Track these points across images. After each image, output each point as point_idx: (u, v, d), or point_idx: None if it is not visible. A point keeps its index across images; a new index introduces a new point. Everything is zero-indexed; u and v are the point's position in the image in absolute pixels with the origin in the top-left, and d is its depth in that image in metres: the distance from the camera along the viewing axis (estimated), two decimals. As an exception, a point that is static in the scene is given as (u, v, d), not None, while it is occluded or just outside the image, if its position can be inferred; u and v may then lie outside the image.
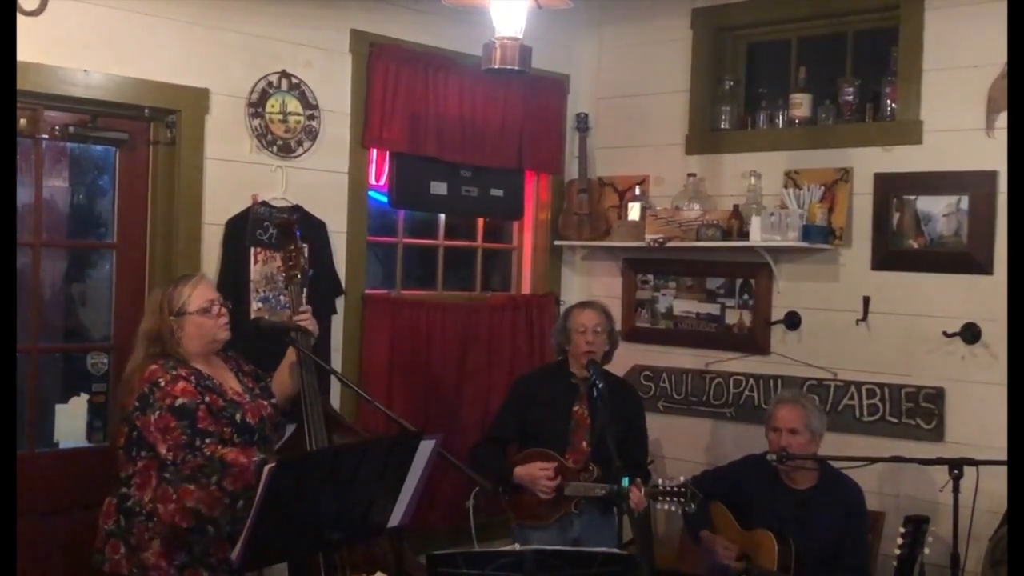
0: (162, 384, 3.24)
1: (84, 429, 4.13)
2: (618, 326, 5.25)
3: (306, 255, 3.89)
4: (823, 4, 4.77)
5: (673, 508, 3.96)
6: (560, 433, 4.21)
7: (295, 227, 3.85)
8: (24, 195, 3.89)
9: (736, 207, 4.82)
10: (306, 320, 3.67)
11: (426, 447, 3.09)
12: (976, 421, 4.25)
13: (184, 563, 3.26)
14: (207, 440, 3.21)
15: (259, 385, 3.57)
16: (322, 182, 4.52)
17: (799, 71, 4.85)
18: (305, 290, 3.85)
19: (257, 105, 4.30)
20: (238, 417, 3.34)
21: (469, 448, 4.36)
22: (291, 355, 3.65)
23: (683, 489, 3.91)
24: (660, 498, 3.94)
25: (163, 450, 3.20)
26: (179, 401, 3.22)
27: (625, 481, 3.88)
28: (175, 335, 3.34)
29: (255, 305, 4.24)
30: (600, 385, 3.95)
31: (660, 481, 4.02)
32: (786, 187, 4.74)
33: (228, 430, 3.30)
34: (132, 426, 3.27)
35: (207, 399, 3.28)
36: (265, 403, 3.50)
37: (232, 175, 4.24)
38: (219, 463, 3.19)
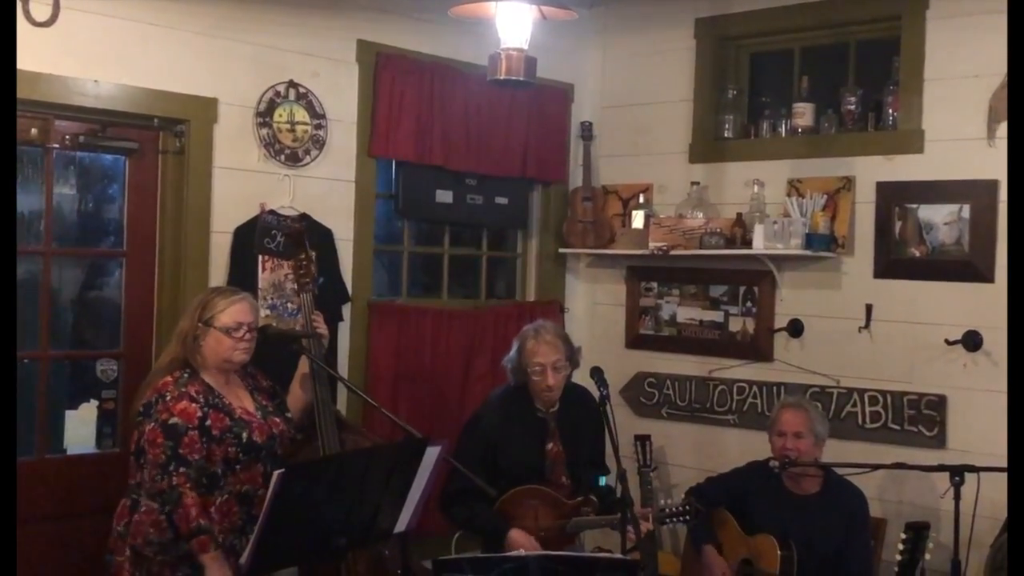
0: (167, 398, 3.26)
1: (93, 435, 4.16)
2: (623, 331, 5.32)
3: (315, 263, 3.93)
4: (825, 14, 4.80)
5: (680, 525, 3.98)
6: (536, 474, 3.99)
7: (305, 236, 3.89)
8: (35, 203, 3.94)
9: (739, 215, 4.85)
10: (318, 326, 3.77)
11: (432, 453, 3.13)
12: (978, 428, 4.27)
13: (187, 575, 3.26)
14: (181, 468, 3.19)
15: (274, 402, 3.57)
16: (329, 191, 4.56)
17: (802, 81, 4.88)
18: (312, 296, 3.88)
19: (265, 115, 4.34)
20: (244, 436, 3.33)
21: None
22: (302, 367, 3.69)
23: (686, 508, 3.93)
24: (667, 520, 3.96)
25: (144, 462, 3.23)
26: (172, 420, 3.22)
27: (602, 480, 3.97)
28: (197, 341, 3.36)
29: (263, 312, 4.25)
30: (606, 393, 3.86)
31: (663, 503, 4.06)
32: (789, 195, 4.77)
33: (233, 449, 3.31)
34: (138, 433, 3.30)
35: (208, 421, 3.27)
36: (278, 420, 3.49)
37: (240, 184, 4.28)
38: (178, 496, 3.17)
